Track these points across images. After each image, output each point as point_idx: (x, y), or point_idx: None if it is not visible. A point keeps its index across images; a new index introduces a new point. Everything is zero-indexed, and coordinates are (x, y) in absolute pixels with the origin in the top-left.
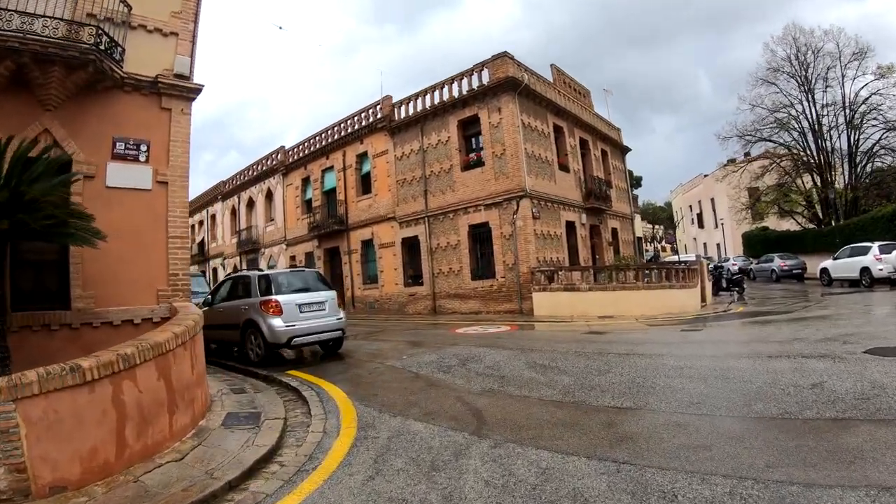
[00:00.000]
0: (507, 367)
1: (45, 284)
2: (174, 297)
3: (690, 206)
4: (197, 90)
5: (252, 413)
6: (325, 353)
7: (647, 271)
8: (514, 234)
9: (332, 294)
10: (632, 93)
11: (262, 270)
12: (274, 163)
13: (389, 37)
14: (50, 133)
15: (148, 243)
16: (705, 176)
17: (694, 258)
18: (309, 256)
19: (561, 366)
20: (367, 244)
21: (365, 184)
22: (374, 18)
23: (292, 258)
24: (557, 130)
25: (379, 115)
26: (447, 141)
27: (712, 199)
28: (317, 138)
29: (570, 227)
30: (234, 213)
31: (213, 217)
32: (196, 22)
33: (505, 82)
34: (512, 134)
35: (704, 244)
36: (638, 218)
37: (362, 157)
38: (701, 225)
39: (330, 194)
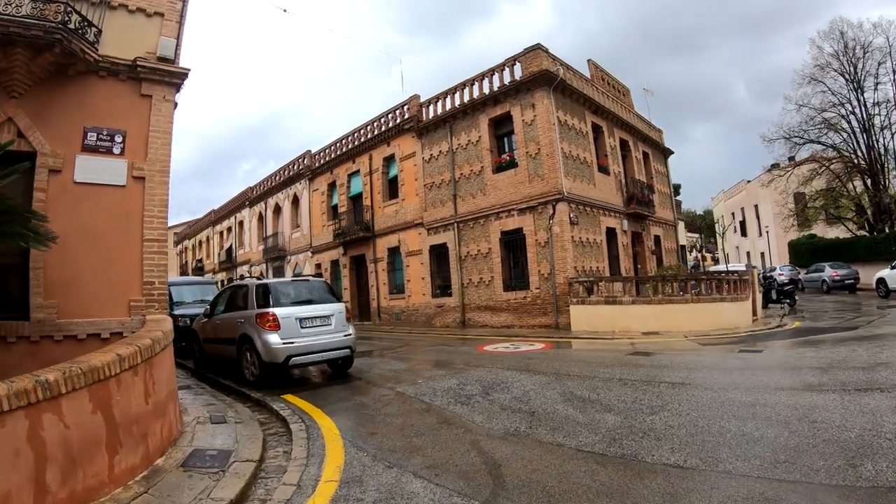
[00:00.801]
0: (539, 399)
1: (7, 290)
2: (148, 309)
3: (733, 214)
4: (182, 75)
5: (222, 451)
6: (333, 374)
7: (695, 282)
8: (550, 242)
9: (340, 307)
10: (667, 99)
11: (260, 279)
12: (300, 168)
13: (426, 47)
14: (14, 122)
15: (120, 247)
16: (748, 182)
17: (744, 268)
18: (335, 264)
19: (604, 399)
20: (394, 252)
21: (392, 188)
22: (410, 29)
23: (318, 266)
24: (596, 129)
25: (406, 116)
26: (478, 141)
27: (756, 206)
28: (343, 142)
29: (611, 233)
30: (260, 219)
31: (241, 223)
32: (184, 1)
33: (539, 76)
34: (547, 132)
35: (748, 253)
36: (681, 225)
37: (389, 161)
38: (744, 233)
39: (356, 200)
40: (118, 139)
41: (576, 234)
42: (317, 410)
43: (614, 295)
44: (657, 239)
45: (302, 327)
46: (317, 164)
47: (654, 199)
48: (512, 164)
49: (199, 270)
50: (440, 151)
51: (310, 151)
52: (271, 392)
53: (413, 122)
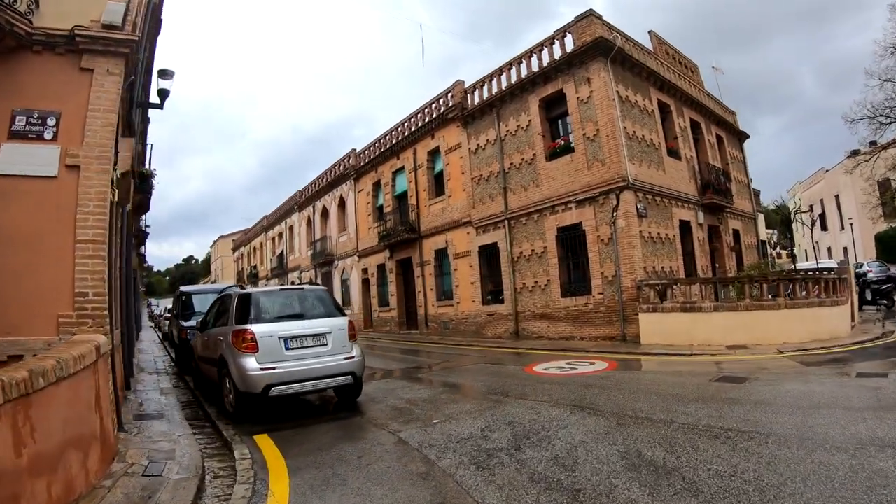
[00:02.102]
0: (590, 464)
1: None
2: (80, 327)
3: (811, 206)
4: (130, 42)
5: None
6: (339, 402)
7: (787, 283)
8: (615, 238)
9: (341, 323)
10: (730, 93)
11: (244, 288)
12: (346, 168)
13: (487, 51)
14: None
15: (49, 251)
16: (827, 171)
17: (836, 264)
18: (381, 269)
19: (686, 467)
20: (441, 254)
21: (438, 184)
22: (471, 35)
23: (364, 271)
24: (663, 108)
25: (451, 104)
26: (528, 125)
27: (836, 197)
28: (387, 137)
29: (685, 227)
30: (309, 223)
31: (291, 228)
32: None
33: (593, 46)
34: (606, 109)
35: (828, 249)
36: (761, 218)
37: (434, 154)
38: (823, 226)
39: (402, 199)
40: (51, 122)
41: (644, 229)
42: (281, 465)
43: (692, 300)
44: (736, 233)
45: (287, 349)
46: (361, 163)
47: (731, 187)
48: (567, 148)
49: (254, 277)
50: (487, 140)
51: (354, 150)
52: (249, 428)
53: (457, 110)
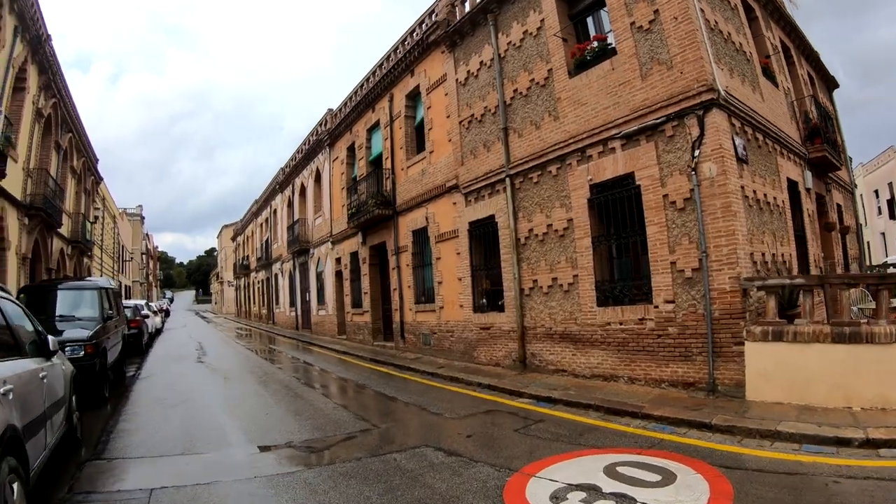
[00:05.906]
0: None
1: None
2: None
3: (876, 192)
4: None
5: None
6: None
7: None
8: (697, 197)
9: None
10: None
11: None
12: (320, 133)
13: None
14: None
15: None
16: None
17: None
18: (354, 258)
19: None
20: (421, 236)
21: (419, 138)
22: None
23: (338, 261)
24: (748, 13)
25: (436, 22)
26: (539, 28)
27: None
28: (362, 88)
29: (792, 191)
30: (290, 205)
31: (275, 212)
32: None
33: None
34: None
35: None
36: (858, 193)
37: (414, 98)
38: (892, 215)
39: (377, 164)
40: None
41: (746, 183)
42: None
43: (854, 321)
44: (839, 210)
45: None
46: (335, 125)
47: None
48: (603, 52)
49: (245, 269)
50: (481, 63)
51: (331, 110)
52: None
53: (442, 28)
